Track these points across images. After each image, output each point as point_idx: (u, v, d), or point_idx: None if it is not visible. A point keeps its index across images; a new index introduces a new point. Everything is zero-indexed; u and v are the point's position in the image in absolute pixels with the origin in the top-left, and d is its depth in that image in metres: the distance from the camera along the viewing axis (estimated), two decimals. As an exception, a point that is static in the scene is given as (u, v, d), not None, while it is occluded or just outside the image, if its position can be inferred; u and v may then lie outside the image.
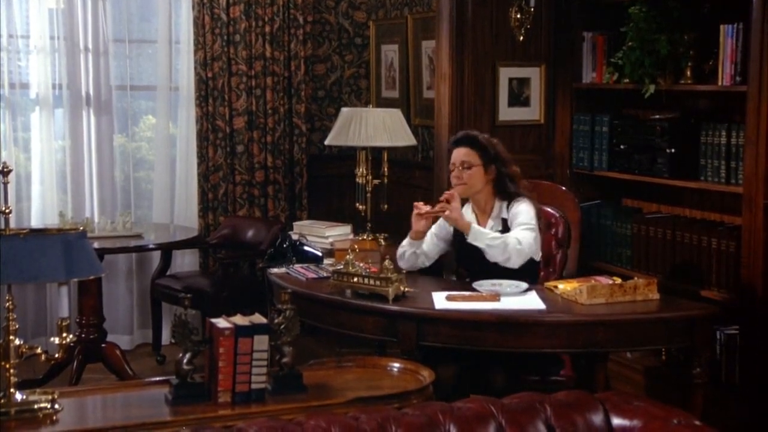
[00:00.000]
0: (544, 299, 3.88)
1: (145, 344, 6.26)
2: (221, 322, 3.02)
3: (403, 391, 3.07)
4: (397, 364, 3.34)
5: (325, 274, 4.25)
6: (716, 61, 4.49)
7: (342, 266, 4.00)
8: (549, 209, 4.41)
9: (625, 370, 5.04)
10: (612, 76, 5.09)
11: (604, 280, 4.03)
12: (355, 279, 3.93)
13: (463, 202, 4.19)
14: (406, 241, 4.30)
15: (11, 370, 2.92)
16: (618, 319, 3.75)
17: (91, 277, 3.40)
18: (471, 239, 4.04)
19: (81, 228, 3.76)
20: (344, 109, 5.54)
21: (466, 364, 3.98)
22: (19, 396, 2.90)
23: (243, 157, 6.42)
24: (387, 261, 3.87)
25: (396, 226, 5.79)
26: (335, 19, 6.84)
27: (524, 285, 3.98)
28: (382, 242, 5.29)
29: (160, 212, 6.42)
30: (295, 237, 4.85)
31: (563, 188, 4.74)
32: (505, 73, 5.38)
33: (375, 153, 5.49)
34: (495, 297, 3.85)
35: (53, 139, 6.11)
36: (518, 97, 5.43)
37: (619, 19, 4.97)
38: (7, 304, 2.97)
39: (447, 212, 4.06)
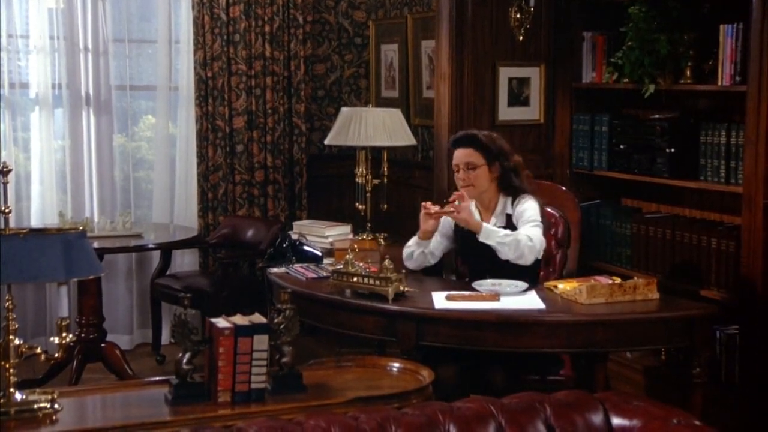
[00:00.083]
0: (543, 299, 3.88)
1: (145, 344, 6.26)
2: (221, 322, 3.01)
3: (403, 391, 3.07)
4: (396, 364, 3.34)
5: (324, 274, 4.25)
6: (716, 61, 4.50)
7: (342, 266, 4.00)
8: (549, 209, 4.41)
9: (624, 369, 5.04)
10: (612, 76, 5.09)
11: (604, 280, 4.03)
12: (355, 279, 3.93)
13: None
14: (413, 241, 4.30)
15: (11, 370, 2.92)
16: (618, 318, 3.75)
17: (91, 277, 3.40)
18: (482, 238, 4.04)
19: (81, 228, 3.76)
20: (344, 109, 5.54)
21: (466, 364, 3.98)
22: (18, 396, 2.90)
23: (243, 156, 6.42)
24: (387, 261, 3.87)
25: (396, 226, 5.80)
26: (335, 18, 6.84)
27: (524, 285, 3.98)
28: (382, 242, 5.29)
29: (159, 212, 6.42)
30: (294, 237, 4.85)
31: (563, 188, 4.74)
32: (505, 73, 5.38)
33: (375, 153, 5.49)
34: (495, 297, 3.85)
35: (53, 138, 6.11)
36: (518, 97, 5.43)
37: (619, 19, 4.97)
38: (7, 303, 2.97)
39: (457, 213, 4.06)
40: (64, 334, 3.00)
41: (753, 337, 4.25)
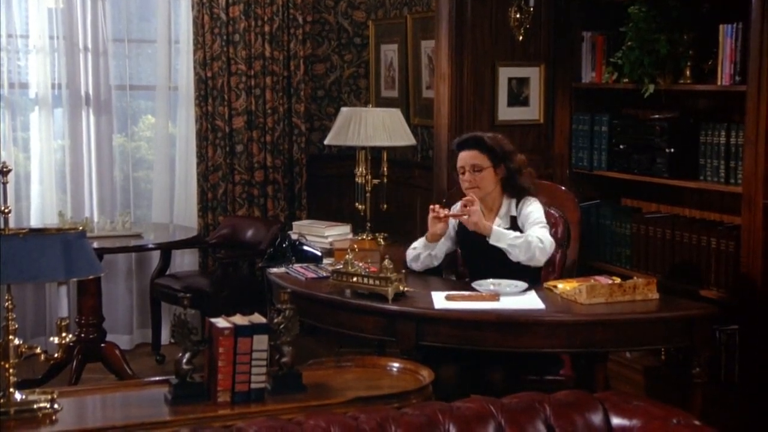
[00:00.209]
0: (543, 299, 3.88)
1: (145, 344, 6.26)
2: (221, 322, 3.02)
3: (403, 391, 3.07)
4: (396, 364, 3.34)
5: (324, 274, 4.25)
6: (715, 61, 4.50)
7: (341, 266, 4.00)
8: (549, 209, 4.41)
9: (624, 369, 5.04)
10: (611, 76, 5.09)
11: (604, 280, 4.02)
12: (355, 279, 3.93)
13: None
14: (419, 244, 4.31)
15: (11, 370, 2.92)
16: (617, 318, 3.75)
17: (91, 277, 3.40)
18: (493, 241, 4.05)
19: (80, 228, 3.76)
20: (344, 109, 5.54)
21: (466, 364, 3.98)
22: (18, 396, 2.90)
23: (242, 156, 6.42)
24: (386, 261, 3.87)
25: (395, 226, 5.80)
26: (334, 18, 6.84)
27: (523, 285, 3.98)
28: (382, 242, 5.29)
29: (159, 212, 6.42)
30: (294, 237, 4.85)
31: (563, 188, 4.73)
32: (505, 73, 5.38)
33: (374, 153, 5.49)
34: (494, 297, 3.86)
35: (52, 138, 6.11)
36: (518, 97, 5.43)
37: (619, 19, 4.96)
38: (7, 303, 2.97)
39: (468, 217, 4.06)
40: (63, 334, 3.00)
41: (753, 337, 4.26)
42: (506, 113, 5.40)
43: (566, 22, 5.41)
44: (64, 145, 6.17)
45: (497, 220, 4.21)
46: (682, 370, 4.05)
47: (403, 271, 4.01)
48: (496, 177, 4.21)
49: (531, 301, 3.85)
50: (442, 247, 4.31)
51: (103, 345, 5.36)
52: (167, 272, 6.04)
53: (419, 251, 4.31)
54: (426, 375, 3.21)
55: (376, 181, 5.42)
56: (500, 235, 4.06)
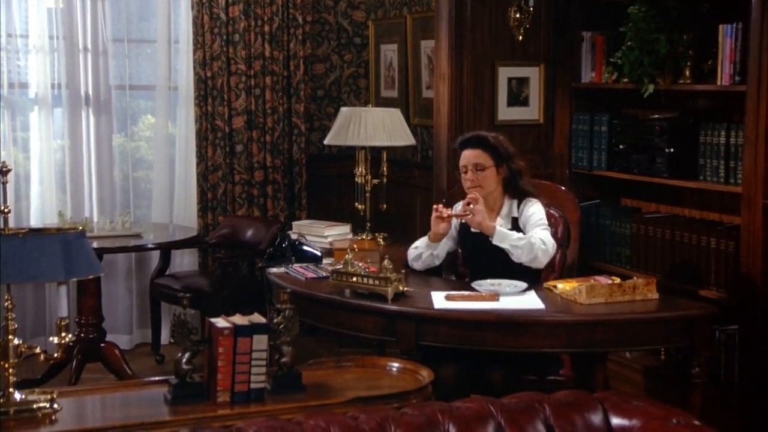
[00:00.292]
0: (543, 299, 3.88)
1: (145, 344, 6.26)
2: (220, 322, 3.01)
3: (403, 391, 3.07)
4: (396, 364, 3.34)
5: (324, 274, 4.25)
6: (715, 61, 4.49)
7: (341, 266, 4.00)
8: (549, 209, 4.41)
9: (624, 369, 5.04)
10: (611, 76, 5.08)
11: (604, 280, 4.02)
12: (354, 279, 3.93)
13: None
14: (422, 243, 4.31)
15: (10, 370, 2.92)
16: (617, 318, 3.75)
17: (90, 277, 3.40)
18: (496, 241, 4.06)
19: (80, 227, 3.75)
20: (343, 109, 5.54)
21: (466, 364, 3.98)
22: (18, 396, 2.90)
23: (242, 156, 6.42)
24: (386, 261, 3.87)
25: (395, 226, 5.80)
26: (334, 18, 6.84)
27: (523, 285, 3.99)
28: (381, 242, 5.28)
29: (159, 212, 6.42)
30: (294, 237, 4.85)
31: (563, 188, 4.73)
32: (504, 73, 5.39)
33: (374, 153, 5.49)
34: (494, 297, 3.86)
35: (52, 138, 6.11)
36: (517, 97, 5.43)
37: (619, 19, 4.97)
38: (6, 303, 2.97)
39: (471, 216, 4.07)
40: (63, 334, 3.00)
41: (752, 337, 4.26)
42: (506, 113, 5.40)
43: (566, 22, 5.41)
44: (63, 145, 6.17)
45: (499, 220, 4.21)
46: (681, 370, 4.05)
47: (403, 271, 4.01)
48: (498, 177, 4.21)
49: (531, 301, 3.85)
50: (444, 246, 4.31)
51: (102, 345, 5.36)
52: (167, 272, 6.04)
53: (421, 251, 4.31)
54: (426, 375, 3.21)
55: (375, 181, 5.42)
56: (503, 236, 4.06)
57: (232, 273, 5.85)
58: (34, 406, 2.89)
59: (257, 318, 3.08)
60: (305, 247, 4.71)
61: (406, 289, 3.89)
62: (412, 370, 3.27)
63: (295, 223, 5.58)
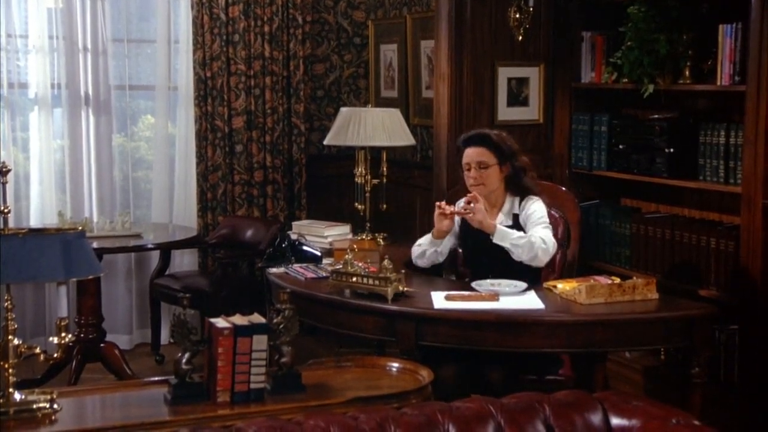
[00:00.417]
0: (543, 299, 3.88)
1: (144, 344, 6.26)
2: (220, 322, 3.01)
3: (402, 391, 3.07)
4: (396, 364, 3.34)
5: (324, 274, 4.24)
6: (715, 61, 4.50)
7: (341, 266, 4.00)
8: (549, 209, 4.41)
9: (624, 369, 5.04)
10: (611, 76, 5.08)
11: (603, 280, 4.02)
12: (354, 279, 3.93)
13: None
14: (425, 241, 4.31)
15: (10, 370, 2.92)
16: (617, 318, 3.75)
17: (90, 277, 3.40)
18: (497, 240, 4.06)
19: (80, 228, 3.76)
20: (343, 109, 5.54)
21: (466, 364, 3.98)
22: (18, 396, 2.90)
23: (242, 156, 6.42)
24: (386, 261, 3.87)
25: (395, 226, 5.80)
26: (334, 18, 6.84)
27: (523, 285, 3.99)
28: (381, 242, 5.28)
29: (159, 212, 6.42)
30: (294, 237, 4.85)
31: (563, 188, 4.73)
32: (504, 73, 5.39)
33: (374, 153, 5.49)
34: (494, 297, 3.85)
35: (52, 138, 6.11)
36: (517, 97, 5.43)
37: (618, 19, 4.97)
38: (6, 303, 2.97)
39: (472, 214, 4.07)
40: (63, 334, 3.00)
41: (752, 337, 4.26)
42: (506, 113, 5.40)
43: (566, 22, 5.41)
44: (63, 145, 6.17)
45: (500, 217, 4.21)
46: (681, 370, 4.05)
47: (403, 271, 4.01)
48: (501, 174, 4.21)
49: (530, 301, 3.85)
50: (448, 243, 4.32)
51: (102, 345, 5.36)
52: (167, 272, 6.04)
53: (425, 248, 4.31)
54: (425, 375, 3.21)
55: (375, 181, 5.42)
56: (504, 234, 4.06)
57: (232, 273, 5.85)
58: (34, 406, 2.89)
59: (257, 318, 3.08)
60: (305, 247, 4.71)
61: (405, 289, 3.89)
62: (412, 370, 3.27)
63: (294, 223, 5.58)
